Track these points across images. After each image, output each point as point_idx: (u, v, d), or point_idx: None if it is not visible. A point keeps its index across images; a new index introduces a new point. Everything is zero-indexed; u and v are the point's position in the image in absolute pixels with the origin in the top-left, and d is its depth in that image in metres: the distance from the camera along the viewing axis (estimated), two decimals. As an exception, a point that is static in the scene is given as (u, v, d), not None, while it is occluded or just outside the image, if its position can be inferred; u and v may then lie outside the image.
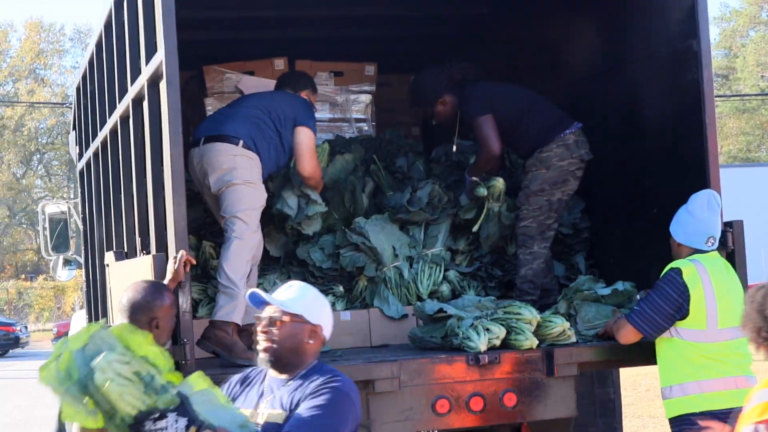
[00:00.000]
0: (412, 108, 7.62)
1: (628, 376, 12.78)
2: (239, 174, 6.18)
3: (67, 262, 11.07)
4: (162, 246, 5.64)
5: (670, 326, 5.56)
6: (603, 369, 7.26)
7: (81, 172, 9.50)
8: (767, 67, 55.02)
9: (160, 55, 5.55)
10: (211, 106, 8.01)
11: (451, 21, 8.46)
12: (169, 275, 5.27)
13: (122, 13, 6.62)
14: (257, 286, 6.61)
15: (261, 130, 6.41)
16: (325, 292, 6.80)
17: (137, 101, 6.25)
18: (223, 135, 6.31)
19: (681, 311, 5.52)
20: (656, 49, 6.50)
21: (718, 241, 5.69)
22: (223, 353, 5.86)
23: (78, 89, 9.52)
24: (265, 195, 6.32)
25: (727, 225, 5.94)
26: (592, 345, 5.97)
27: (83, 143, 9.28)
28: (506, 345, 5.89)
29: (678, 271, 5.57)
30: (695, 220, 5.73)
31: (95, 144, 8.27)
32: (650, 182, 6.63)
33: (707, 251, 5.68)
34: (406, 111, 9.21)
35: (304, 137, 6.52)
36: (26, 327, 35.19)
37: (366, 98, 8.36)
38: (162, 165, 5.65)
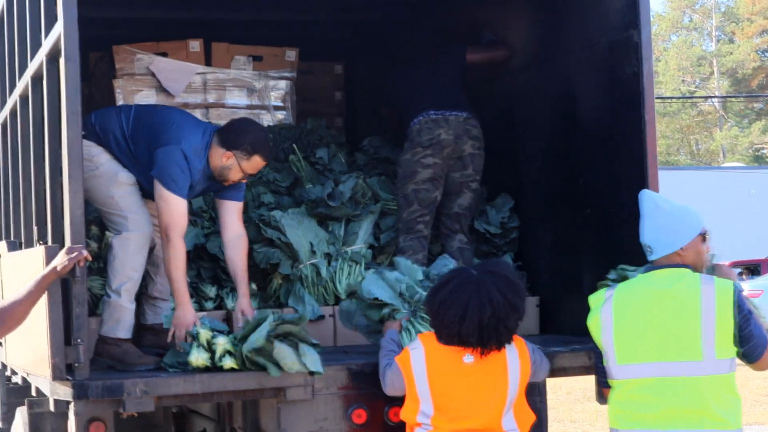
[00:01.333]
0: None
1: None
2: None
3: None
4: (58, 237, 5.17)
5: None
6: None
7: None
8: (688, 71, 55.57)
9: (59, 28, 5.06)
10: (121, 88, 7.52)
11: (374, 6, 8.03)
12: (51, 266, 4.78)
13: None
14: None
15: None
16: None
17: (36, 79, 5.75)
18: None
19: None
20: (594, 40, 6.15)
21: (657, 251, 4.60)
22: (117, 365, 5.44)
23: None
24: (119, 175, 5.62)
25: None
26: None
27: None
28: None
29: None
30: (640, 226, 4.79)
31: (-4, 126, 7.74)
32: (584, 180, 6.28)
33: (654, 264, 4.65)
34: (329, 101, 8.87)
35: (158, 197, 5.53)
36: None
37: (286, 85, 7.91)
38: (60, 149, 5.16)
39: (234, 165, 5.63)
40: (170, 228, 5.48)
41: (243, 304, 5.80)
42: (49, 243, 5.25)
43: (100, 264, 6.30)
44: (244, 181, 5.81)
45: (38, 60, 5.60)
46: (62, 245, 4.99)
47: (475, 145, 6.77)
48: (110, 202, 5.61)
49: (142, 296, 5.91)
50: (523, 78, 6.90)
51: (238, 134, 5.64)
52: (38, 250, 5.11)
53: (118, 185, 5.63)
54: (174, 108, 6.50)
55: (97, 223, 6.41)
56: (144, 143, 5.64)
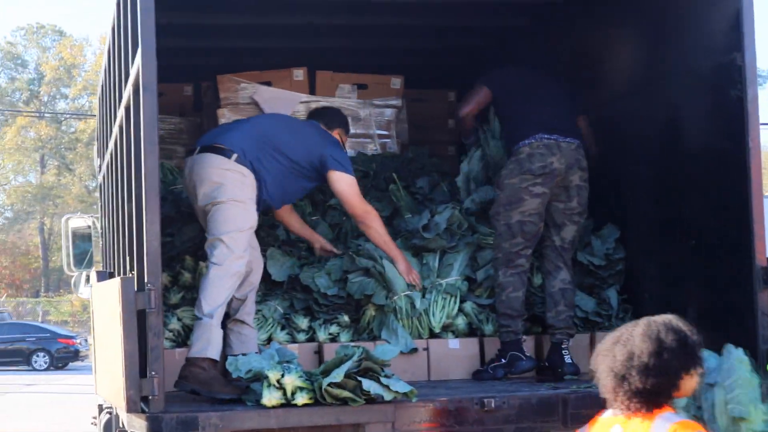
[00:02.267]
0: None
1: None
2: (227, 191, 5.67)
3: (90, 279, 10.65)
4: (140, 268, 5.13)
5: None
6: None
7: (100, 186, 9.08)
8: None
9: (138, 59, 5.05)
10: (225, 117, 7.50)
11: (486, 33, 7.87)
12: None
13: (121, 14, 6.15)
14: (256, 314, 6.10)
15: (264, 150, 5.88)
16: (330, 322, 6.27)
17: (127, 109, 5.76)
18: (216, 146, 5.81)
19: None
20: (697, 63, 5.87)
21: None
22: (202, 390, 5.35)
23: (99, 98, 9.10)
24: (255, 216, 5.79)
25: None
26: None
27: (102, 155, 8.86)
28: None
29: None
30: None
31: (107, 156, 7.84)
32: (689, 210, 5.98)
33: None
34: (441, 129, 8.73)
35: (346, 185, 6.07)
36: (86, 340, 35.06)
37: (391, 113, 7.79)
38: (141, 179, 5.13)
39: (340, 142, 6.31)
40: (368, 209, 6.18)
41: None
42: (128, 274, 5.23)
43: (193, 295, 6.28)
44: None
45: (128, 90, 5.61)
46: (141, 276, 4.96)
47: (583, 176, 6.38)
48: (232, 232, 5.61)
49: (228, 322, 5.86)
50: (627, 104, 6.63)
51: (334, 114, 6.55)
52: (115, 281, 5.09)
53: (249, 221, 5.72)
54: (278, 114, 6.92)
55: (192, 254, 6.40)
56: (301, 148, 6.00)
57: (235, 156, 5.74)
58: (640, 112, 6.49)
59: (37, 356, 31.28)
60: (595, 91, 6.94)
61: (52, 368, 31.03)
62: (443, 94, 8.82)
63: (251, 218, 5.73)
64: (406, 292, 6.23)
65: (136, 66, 5.12)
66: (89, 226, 10.69)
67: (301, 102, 7.58)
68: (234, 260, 5.58)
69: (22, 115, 52.71)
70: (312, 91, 7.66)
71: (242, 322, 5.87)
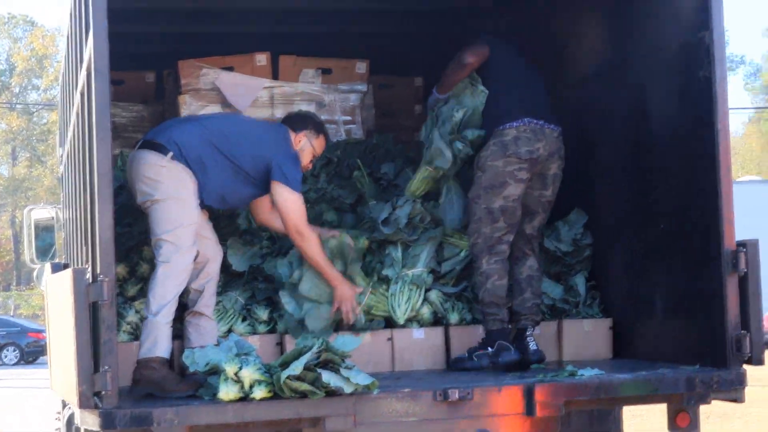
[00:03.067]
0: None
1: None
2: (163, 188, 5.51)
3: (53, 271, 10.43)
4: (93, 259, 4.97)
5: None
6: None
7: (61, 176, 8.91)
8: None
9: (90, 42, 4.89)
10: (186, 104, 7.34)
11: (449, 16, 7.72)
12: None
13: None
14: (216, 305, 5.95)
15: (205, 151, 5.66)
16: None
17: (82, 95, 5.59)
18: (154, 142, 5.64)
19: None
20: (665, 43, 5.74)
21: None
22: (156, 391, 5.20)
23: (60, 85, 8.93)
24: (197, 211, 5.62)
25: (740, 245, 5.20)
26: (579, 380, 5.21)
27: (63, 144, 8.68)
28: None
29: None
30: None
31: (66, 145, 7.66)
32: (657, 193, 5.86)
33: None
34: (407, 115, 8.59)
35: (285, 201, 5.74)
36: (58, 333, 34.78)
37: (356, 98, 7.63)
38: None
39: (307, 146, 5.99)
40: (302, 224, 5.82)
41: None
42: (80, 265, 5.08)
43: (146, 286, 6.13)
44: (310, 167, 6.14)
45: (82, 75, 5.45)
46: (94, 267, 4.81)
47: (560, 165, 6.22)
48: (175, 229, 5.47)
49: (186, 314, 5.73)
50: (594, 86, 6.49)
51: (302, 118, 6.14)
52: (67, 272, 4.92)
53: (191, 216, 5.56)
54: (238, 114, 6.75)
55: (148, 245, 6.23)
56: (244, 154, 5.72)
57: (170, 154, 5.57)
58: (606, 94, 6.36)
59: (7, 350, 30.98)
60: (560, 74, 6.80)
61: (22, 362, 30.76)
62: (410, 80, 8.66)
63: (192, 214, 5.56)
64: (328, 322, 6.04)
65: (89, 49, 4.96)
66: (52, 218, 10.49)
67: (264, 87, 7.43)
68: (181, 257, 5.44)
69: (-8, 106, 52.32)
70: (275, 76, 7.50)
71: (200, 314, 5.72)
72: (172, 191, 5.50)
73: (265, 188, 5.82)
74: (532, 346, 5.99)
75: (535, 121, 6.08)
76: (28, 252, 10.39)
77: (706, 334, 5.40)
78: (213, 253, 5.82)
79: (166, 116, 7.86)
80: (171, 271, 5.40)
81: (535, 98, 6.23)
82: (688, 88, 5.51)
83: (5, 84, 55.34)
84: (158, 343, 5.28)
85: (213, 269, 5.82)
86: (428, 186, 6.40)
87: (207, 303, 5.78)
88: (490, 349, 5.95)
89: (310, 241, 5.85)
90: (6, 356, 30.95)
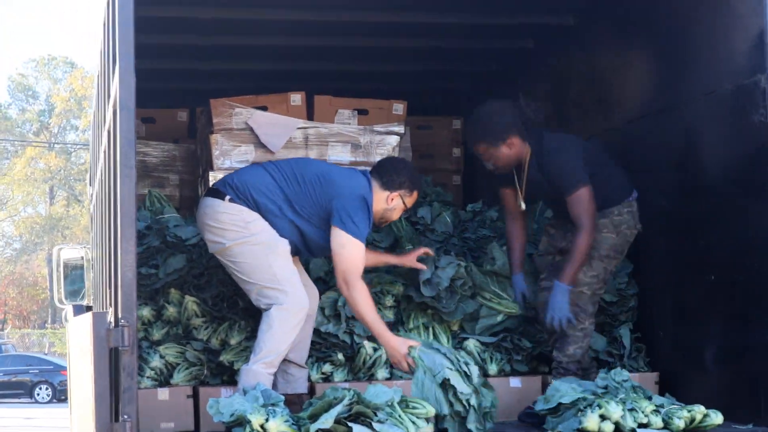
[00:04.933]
0: (473, 145, 5.99)
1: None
2: (228, 234, 5.40)
3: (82, 312, 10.26)
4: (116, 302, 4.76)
5: None
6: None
7: (91, 215, 8.76)
8: None
9: (117, 76, 4.70)
10: (218, 144, 7.12)
11: (492, 56, 7.52)
12: None
13: (107, 35, 5.80)
14: (242, 351, 5.72)
15: (273, 188, 5.52)
16: (323, 360, 5.89)
17: (109, 132, 5.40)
18: (214, 188, 5.56)
19: None
20: (717, 86, 5.48)
21: None
22: None
23: (91, 124, 8.80)
24: (279, 242, 5.46)
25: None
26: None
27: (93, 182, 8.54)
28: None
29: None
30: None
31: (95, 184, 7.51)
32: (706, 242, 5.59)
33: None
34: (445, 157, 8.40)
35: (342, 247, 5.40)
36: (91, 373, 34.69)
37: (393, 140, 7.39)
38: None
39: (399, 205, 5.67)
40: (351, 273, 5.38)
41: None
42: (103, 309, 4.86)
43: (178, 330, 5.92)
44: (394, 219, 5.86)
45: (109, 112, 5.27)
46: (116, 310, 4.59)
47: None
48: (267, 273, 5.36)
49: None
50: (641, 128, 6.24)
51: (397, 173, 5.67)
52: (88, 316, 4.71)
53: (276, 255, 5.42)
54: (323, 161, 6.45)
55: (177, 287, 6.03)
56: (311, 199, 5.50)
57: (228, 197, 5.43)
58: (654, 137, 6.11)
59: (40, 389, 30.90)
60: (606, 116, 6.57)
61: (54, 401, 30.61)
62: (448, 121, 8.48)
63: (272, 250, 5.41)
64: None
65: (115, 84, 4.77)
66: (82, 257, 10.33)
67: (299, 128, 7.21)
68: (289, 297, 5.37)
69: (31, 145, 52.59)
70: (310, 117, 7.28)
71: (289, 361, 5.56)
72: (239, 235, 5.39)
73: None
74: None
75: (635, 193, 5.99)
76: (57, 292, 10.22)
77: (759, 391, 5.12)
78: (308, 296, 5.61)
79: (198, 155, 7.69)
80: (285, 314, 5.32)
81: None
82: (742, 132, 5.26)
83: (44, 124, 55.70)
84: None
85: (312, 309, 5.69)
86: None
87: (298, 348, 5.59)
88: None
89: (357, 291, 5.37)
90: (39, 394, 30.87)
